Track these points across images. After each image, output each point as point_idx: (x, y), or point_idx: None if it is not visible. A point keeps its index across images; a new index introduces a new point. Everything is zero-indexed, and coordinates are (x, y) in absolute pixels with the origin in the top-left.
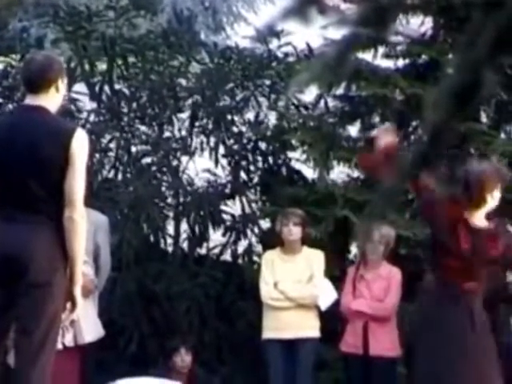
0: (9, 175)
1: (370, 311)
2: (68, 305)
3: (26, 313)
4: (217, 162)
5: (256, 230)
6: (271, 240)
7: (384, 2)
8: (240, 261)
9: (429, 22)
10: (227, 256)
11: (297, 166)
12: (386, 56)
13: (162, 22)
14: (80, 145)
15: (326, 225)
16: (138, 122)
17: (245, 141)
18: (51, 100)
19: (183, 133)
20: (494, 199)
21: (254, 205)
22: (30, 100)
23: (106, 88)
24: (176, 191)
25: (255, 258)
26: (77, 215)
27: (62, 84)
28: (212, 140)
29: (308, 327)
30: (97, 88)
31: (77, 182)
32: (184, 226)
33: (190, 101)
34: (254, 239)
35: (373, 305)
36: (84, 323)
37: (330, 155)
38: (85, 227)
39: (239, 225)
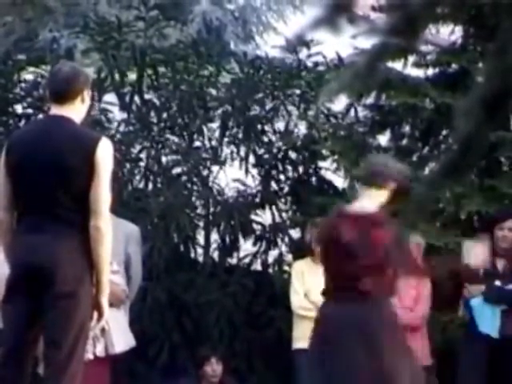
0: (34, 185)
1: (401, 320)
2: (95, 314)
3: (54, 324)
4: (247, 171)
5: (286, 239)
6: (301, 249)
7: (414, 12)
8: (270, 270)
9: (459, 31)
10: (257, 265)
11: (327, 175)
12: (416, 65)
13: (191, 32)
14: (105, 154)
15: None
16: (168, 131)
17: (275, 150)
18: (76, 111)
19: (213, 142)
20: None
21: (284, 214)
22: (56, 110)
23: (136, 98)
24: (206, 201)
25: (285, 268)
26: (103, 224)
27: (88, 95)
28: (242, 149)
29: None
30: (127, 98)
31: (102, 191)
32: (214, 235)
33: (219, 110)
34: (284, 249)
35: (403, 314)
36: (115, 333)
37: (360, 164)
38: (111, 236)
39: (269, 234)
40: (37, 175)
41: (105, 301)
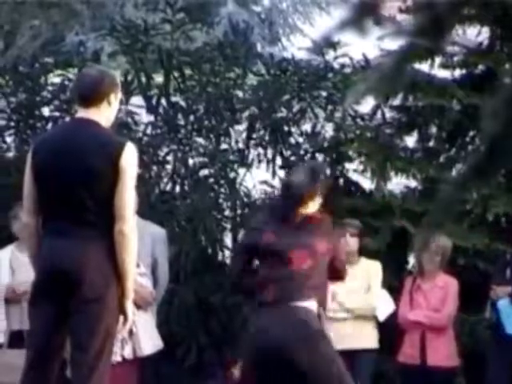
0: (60, 188)
1: (427, 321)
2: (120, 318)
3: (80, 329)
4: (274, 173)
5: None
6: None
7: (440, 13)
8: None
9: (485, 32)
10: None
11: (354, 177)
12: (443, 66)
13: (218, 34)
14: (130, 159)
15: (384, 235)
16: (195, 134)
17: (302, 152)
18: (103, 114)
19: (240, 145)
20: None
21: None
22: (82, 114)
23: (163, 101)
24: (233, 203)
25: None
26: (127, 229)
27: (115, 98)
28: (269, 152)
29: (366, 338)
30: (154, 101)
31: (127, 197)
32: None
33: (246, 112)
34: None
35: (430, 315)
36: (143, 336)
37: (387, 166)
38: (136, 241)
39: None
40: (62, 179)
41: (129, 305)
